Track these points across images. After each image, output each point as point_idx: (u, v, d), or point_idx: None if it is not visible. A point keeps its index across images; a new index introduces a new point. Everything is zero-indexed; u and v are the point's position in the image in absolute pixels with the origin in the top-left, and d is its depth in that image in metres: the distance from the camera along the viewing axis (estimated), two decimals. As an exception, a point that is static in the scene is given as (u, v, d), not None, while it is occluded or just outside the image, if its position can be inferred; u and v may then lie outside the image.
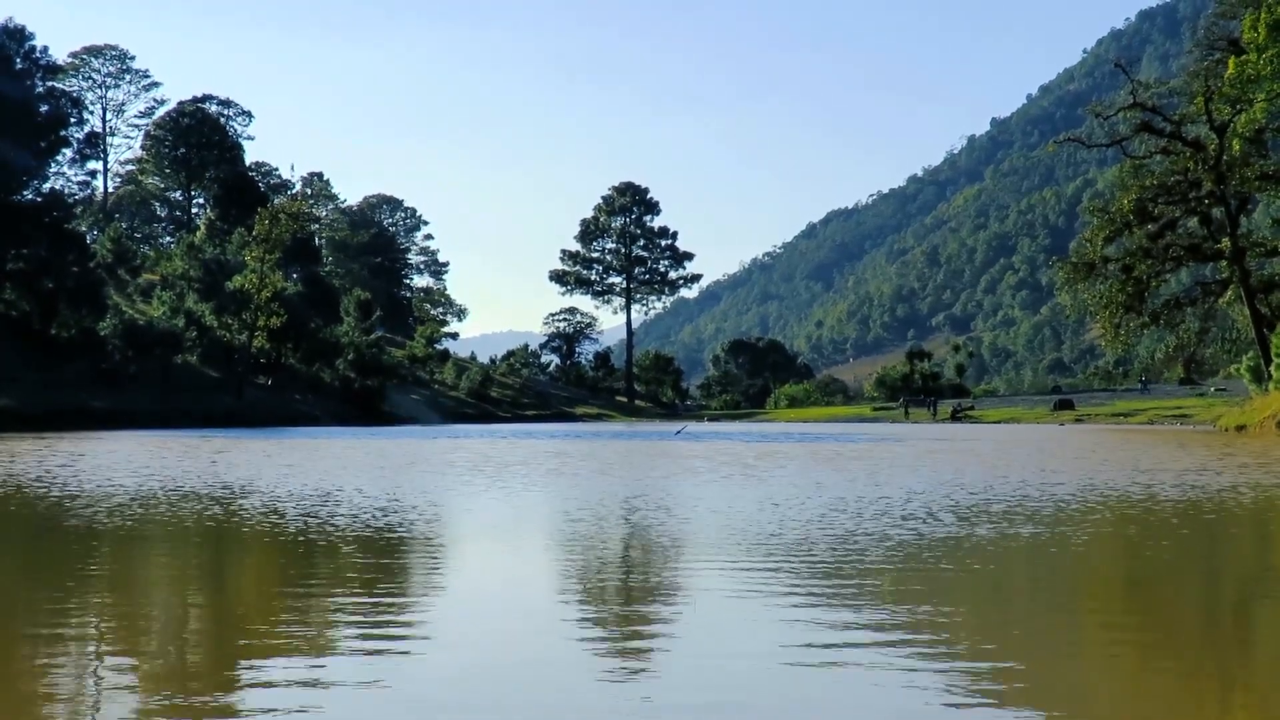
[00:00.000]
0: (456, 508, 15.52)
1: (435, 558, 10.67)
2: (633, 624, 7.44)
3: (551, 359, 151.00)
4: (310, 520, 13.21)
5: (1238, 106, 55.17)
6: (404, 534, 12.03)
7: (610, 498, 16.18)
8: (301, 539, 11.60)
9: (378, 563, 10.13)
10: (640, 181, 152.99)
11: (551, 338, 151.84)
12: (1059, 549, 10.72)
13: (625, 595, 8.58)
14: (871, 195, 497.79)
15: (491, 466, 24.63)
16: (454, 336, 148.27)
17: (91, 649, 6.81)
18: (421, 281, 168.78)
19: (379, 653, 6.57)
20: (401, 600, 8.36)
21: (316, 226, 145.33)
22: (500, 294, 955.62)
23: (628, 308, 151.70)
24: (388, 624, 7.37)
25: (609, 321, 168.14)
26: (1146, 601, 8.69)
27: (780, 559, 9.84)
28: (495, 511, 14.95)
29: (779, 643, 6.67)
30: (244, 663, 6.41)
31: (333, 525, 12.76)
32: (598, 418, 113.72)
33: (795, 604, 7.85)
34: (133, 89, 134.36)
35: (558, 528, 13.10)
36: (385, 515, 13.70)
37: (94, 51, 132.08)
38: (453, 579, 9.60)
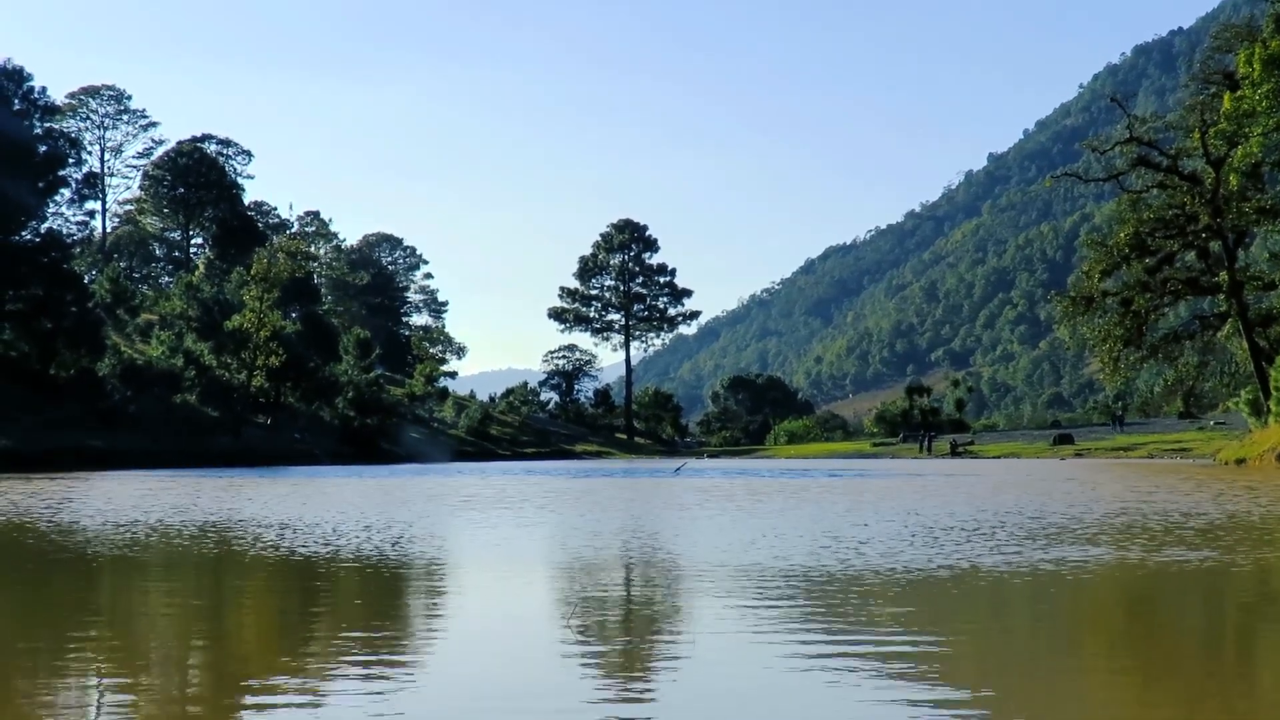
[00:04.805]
0: (472, 545, 15.45)
1: (442, 593, 10.61)
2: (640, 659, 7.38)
3: (551, 396, 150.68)
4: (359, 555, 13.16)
5: (1234, 141, 55.28)
6: (411, 568, 11.97)
7: (635, 535, 16.11)
8: (345, 576, 11.52)
9: (390, 600, 10.05)
10: (639, 218, 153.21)
11: (551, 375, 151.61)
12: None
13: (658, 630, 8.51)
14: (870, 231, 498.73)
15: (510, 505, 24.55)
16: (453, 375, 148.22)
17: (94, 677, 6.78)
18: (421, 320, 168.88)
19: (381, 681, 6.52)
20: (419, 634, 8.30)
21: (315, 265, 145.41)
22: (499, 331, 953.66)
23: (626, 345, 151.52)
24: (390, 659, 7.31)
25: (608, 359, 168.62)
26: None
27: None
28: (541, 556, 14.87)
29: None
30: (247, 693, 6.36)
31: (345, 561, 12.71)
32: (597, 455, 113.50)
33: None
34: (131, 129, 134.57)
35: (592, 562, 13.04)
36: (396, 550, 13.65)
37: (92, 92, 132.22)
38: (463, 614, 9.55)
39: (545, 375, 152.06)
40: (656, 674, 7.11)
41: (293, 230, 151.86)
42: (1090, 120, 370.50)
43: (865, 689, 6.53)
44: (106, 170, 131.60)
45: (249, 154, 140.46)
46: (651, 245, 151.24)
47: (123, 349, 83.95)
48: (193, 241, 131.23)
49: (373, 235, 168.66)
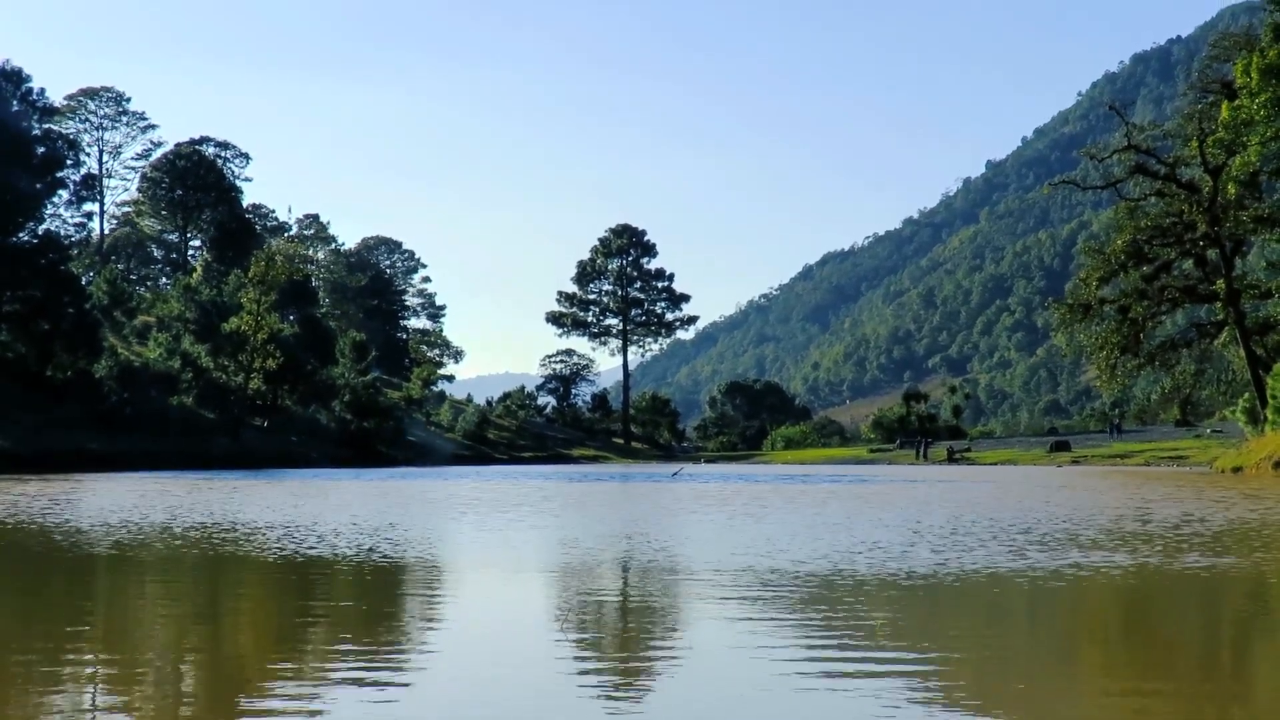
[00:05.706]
0: (470, 549, 15.46)
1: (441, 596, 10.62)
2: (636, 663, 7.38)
3: (548, 401, 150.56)
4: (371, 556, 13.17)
5: (1232, 150, 55.37)
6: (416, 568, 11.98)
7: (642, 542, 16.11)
8: (343, 572, 11.53)
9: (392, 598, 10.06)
10: (637, 222, 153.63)
11: (548, 379, 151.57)
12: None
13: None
14: (867, 237, 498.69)
15: (516, 510, 24.55)
16: (450, 379, 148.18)
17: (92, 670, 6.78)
18: (418, 323, 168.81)
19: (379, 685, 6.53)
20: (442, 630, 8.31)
21: (313, 268, 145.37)
22: (497, 335, 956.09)
23: (624, 349, 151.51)
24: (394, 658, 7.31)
25: (606, 363, 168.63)
26: None
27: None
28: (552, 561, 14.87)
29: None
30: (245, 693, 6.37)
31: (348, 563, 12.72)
32: (594, 459, 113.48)
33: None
34: (129, 131, 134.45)
35: (599, 566, 13.04)
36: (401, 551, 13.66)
37: (90, 93, 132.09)
38: (460, 619, 9.55)
39: (542, 379, 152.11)
40: (655, 679, 7.11)
41: (291, 233, 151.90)
42: (1088, 128, 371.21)
43: (871, 698, 6.53)
44: (105, 172, 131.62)
45: (247, 156, 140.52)
46: (650, 250, 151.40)
47: (120, 351, 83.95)
48: (190, 244, 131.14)
49: (371, 238, 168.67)
